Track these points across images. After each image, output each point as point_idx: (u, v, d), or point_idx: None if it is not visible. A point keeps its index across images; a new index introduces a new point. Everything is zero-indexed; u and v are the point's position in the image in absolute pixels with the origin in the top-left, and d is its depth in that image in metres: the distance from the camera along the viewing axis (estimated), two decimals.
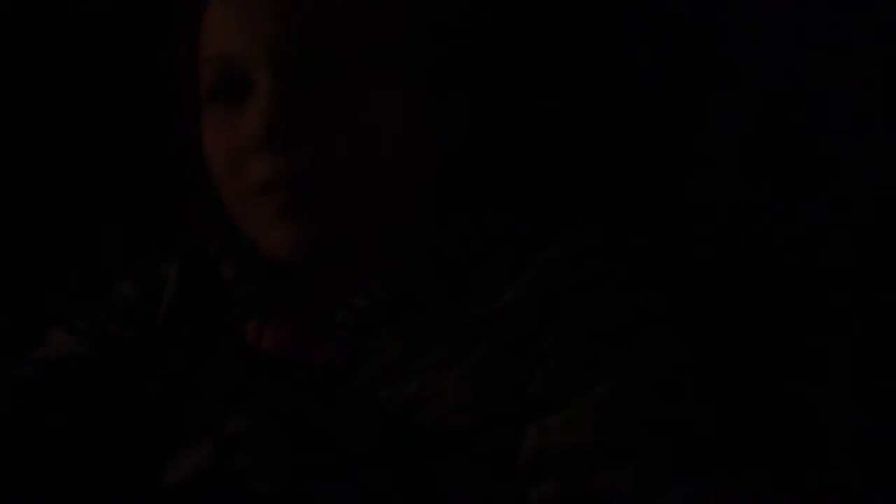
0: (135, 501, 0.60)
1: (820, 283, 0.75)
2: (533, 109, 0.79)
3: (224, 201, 0.66)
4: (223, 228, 0.69)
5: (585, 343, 0.58)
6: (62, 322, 0.70)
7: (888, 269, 0.74)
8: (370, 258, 0.66)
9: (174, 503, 0.59)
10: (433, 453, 0.57)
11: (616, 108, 0.80)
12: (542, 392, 0.57)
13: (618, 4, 0.81)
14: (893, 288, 0.73)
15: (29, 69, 0.84)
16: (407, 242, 0.67)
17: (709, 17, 0.80)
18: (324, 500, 0.56)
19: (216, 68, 0.62)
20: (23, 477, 0.58)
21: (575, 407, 0.55)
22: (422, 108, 0.64)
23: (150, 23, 0.76)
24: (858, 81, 0.76)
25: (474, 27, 0.70)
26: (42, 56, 0.84)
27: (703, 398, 0.56)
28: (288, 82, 0.60)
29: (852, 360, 0.74)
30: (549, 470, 0.54)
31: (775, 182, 0.77)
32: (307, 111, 0.60)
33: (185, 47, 0.66)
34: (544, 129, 0.79)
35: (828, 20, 0.77)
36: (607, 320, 0.58)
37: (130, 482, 0.61)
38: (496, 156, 0.75)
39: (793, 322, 0.75)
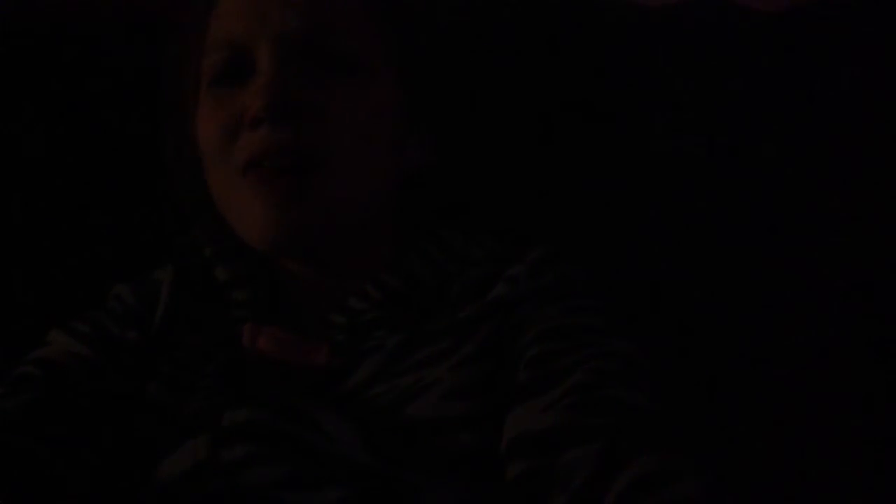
0: (132, 497, 0.61)
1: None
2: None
3: (211, 186, 0.68)
4: (217, 232, 0.70)
5: (559, 337, 0.62)
6: (60, 325, 0.70)
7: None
8: (358, 260, 0.69)
9: (171, 497, 0.59)
10: (417, 447, 0.59)
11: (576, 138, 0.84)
12: (523, 380, 0.60)
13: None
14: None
15: (25, 70, 0.85)
16: (395, 243, 0.70)
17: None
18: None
19: (223, 49, 0.66)
20: (22, 475, 0.58)
21: (550, 394, 0.58)
22: (397, 125, 0.68)
23: (147, 23, 0.78)
24: None
25: (449, 60, 0.76)
26: (37, 57, 0.85)
27: (652, 384, 0.60)
28: (288, 65, 0.64)
29: None
30: (523, 450, 0.57)
31: None
32: (304, 95, 0.63)
33: (194, 35, 0.69)
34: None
35: None
36: (577, 318, 0.64)
37: (127, 479, 0.61)
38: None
39: None
